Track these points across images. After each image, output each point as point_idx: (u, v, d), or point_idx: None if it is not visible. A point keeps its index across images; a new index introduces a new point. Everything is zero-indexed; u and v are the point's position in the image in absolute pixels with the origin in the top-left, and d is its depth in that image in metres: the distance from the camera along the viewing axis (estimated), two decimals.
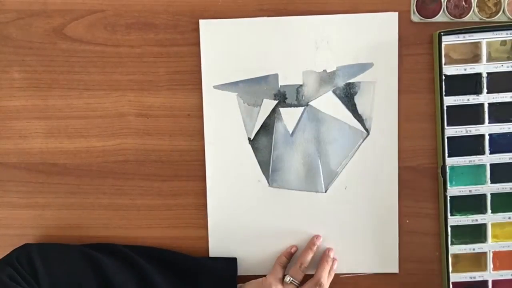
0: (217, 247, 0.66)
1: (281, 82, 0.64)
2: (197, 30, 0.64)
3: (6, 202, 0.66)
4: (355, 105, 0.64)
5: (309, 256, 0.64)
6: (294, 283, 0.62)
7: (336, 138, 0.65)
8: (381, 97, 0.64)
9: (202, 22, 0.63)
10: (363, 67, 0.64)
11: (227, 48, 0.64)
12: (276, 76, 0.64)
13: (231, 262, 0.64)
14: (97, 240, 0.66)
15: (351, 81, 0.64)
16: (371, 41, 0.63)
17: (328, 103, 0.64)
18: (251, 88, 0.64)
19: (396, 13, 0.63)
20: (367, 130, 0.64)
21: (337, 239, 0.65)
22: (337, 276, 0.65)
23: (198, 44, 0.64)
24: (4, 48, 0.64)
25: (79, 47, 0.64)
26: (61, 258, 0.60)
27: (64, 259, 0.60)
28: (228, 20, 0.63)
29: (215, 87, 0.64)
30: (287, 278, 0.63)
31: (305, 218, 0.65)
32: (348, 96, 0.64)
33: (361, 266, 0.66)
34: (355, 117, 0.64)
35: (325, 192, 0.65)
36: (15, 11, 0.64)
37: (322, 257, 0.65)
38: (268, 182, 0.65)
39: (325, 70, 0.64)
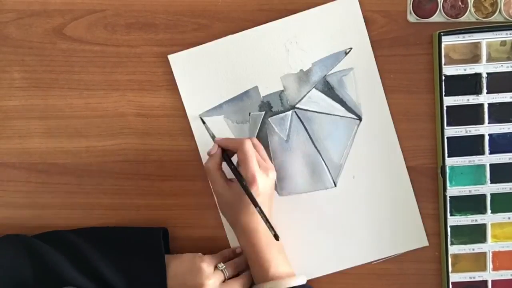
0: None
1: (263, 93, 0.64)
2: (197, 30, 0.64)
3: (6, 202, 0.66)
4: (340, 95, 0.64)
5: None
6: (225, 272, 0.61)
7: (331, 132, 0.64)
8: (363, 80, 0.64)
9: (170, 57, 0.64)
10: (337, 56, 0.64)
11: (201, 75, 0.64)
12: (256, 88, 0.64)
13: (158, 230, 0.63)
14: None
15: (329, 73, 0.64)
16: (338, 29, 0.63)
17: (314, 101, 0.64)
18: (235, 106, 0.64)
19: None
20: (359, 116, 0.64)
21: (357, 229, 0.65)
22: (366, 265, 0.65)
23: (198, 44, 0.64)
24: (4, 48, 0.64)
25: (79, 47, 0.64)
26: None
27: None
28: (194, 48, 0.63)
29: (201, 115, 0.64)
30: (220, 265, 0.61)
31: (322, 216, 0.65)
32: (330, 88, 0.64)
33: (390, 248, 0.65)
34: (343, 106, 0.64)
35: (335, 186, 0.65)
36: (15, 11, 0.64)
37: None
38: (278, 192, 0.65)
39: (301, 70, 0.64)
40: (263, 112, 0.64)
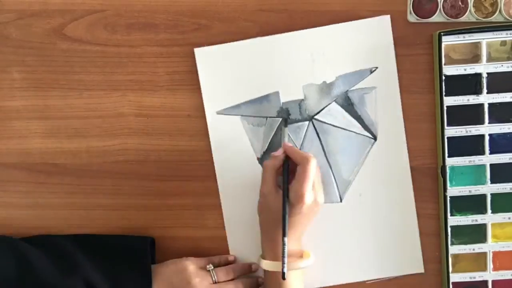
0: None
1: (283, 99, 0.64)
2: (197, 30, 0.64)
3: (6, 202, 0.66)
4: (359, 112, 0.64)
5: (241, 271, 0.64)
6: (213, 274, 0.61)
7: (345, 148, 0.64)
8: (384, 101, 0.64)
9: (197, 51, 0.63)
10: (362, 74, 0.64)
11: (225, 72, 0.64)
12: (277, 93, 0.64)
13: (145, 239, 0.63)
14: None
15: (352, 88, 0.64)
16: (367, 46, 0.63)
17: (332, 114, 0.64)
18: (254, 108, 0.64)
19: (388, 16, 0.63)
20: (374, 136, 0.64)
21: (357, 246, 0.65)
22: (362, 284, 0.65)
23: (198, 44, 0.64)
24: (4, 48, 0.64)
25: (79, 47, 0.64)
26: None
27: None
28: (222, 45, 0.63)
29: (218, 112, 0.64)
30: (209, 266, 0.62)
31: (324, 229, 0.65)
32: (350, 104, 0.64)
33: (385, 270, 0.65)
34: (360, 124, 0.64)
35: (341, 201, 0.65)
36: (15, 11, 0.64)
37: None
38: None
39: (324, 82, 0.64)
40: (281, 119, 0.64)
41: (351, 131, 0.64)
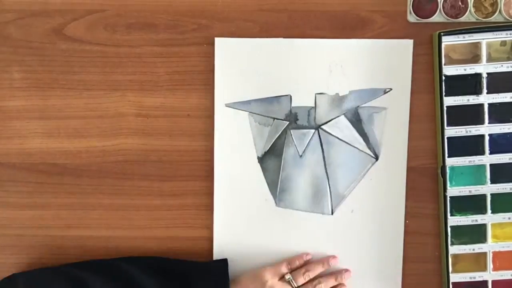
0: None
1: (293, 104, 0.64)
2: (196, 30, 0.64)
3: (6, 202, 0.66)
4: (365, 129, 0.64)
5: (318, 268, 0.64)
6: (292, 283, 0.62)
7: (345, 162, 0.64)
8: (392, 123, 0.64)
9: (217, 40, 0.63)
10: (375, 93, 0.64)
11: (241, 67, 0.64)
12: (288, 97, 0.64)
13: (222, 261, 0.63)
14: (97, 240, 0.66)
15: (363, 105, 0.64)
16: (385, 67, 0.63)
17: (339, 127, 0.64)
18: (263, 107, 0.64)
19: (411, 41, 0.63)
20: (376, 156, 0.64)
21: (341, 261, 0.65)
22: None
23: (197, 44, 0.64)
24: (4, 48, 0.64)
25: (79, 47, 0.64)
26: (48, 286, 0.59)
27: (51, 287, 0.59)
28: (243, 39, 0.63)
29: (227, 105, 0.64)
30: (288, 276, 0.62)
31: (311, 239, 0.65)
32: (359, 120, 0.64)
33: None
34: (365, 141, 0.64)
35: (332, 214, 0.65)
36: (15, 11, 0.64)
37: (334, 271, 0.65)
38: (275, 202, 0.65)
39: (337, 93, 0.64)
40: (288, 122, 0.64)
41: (355, 147, 0.64)
